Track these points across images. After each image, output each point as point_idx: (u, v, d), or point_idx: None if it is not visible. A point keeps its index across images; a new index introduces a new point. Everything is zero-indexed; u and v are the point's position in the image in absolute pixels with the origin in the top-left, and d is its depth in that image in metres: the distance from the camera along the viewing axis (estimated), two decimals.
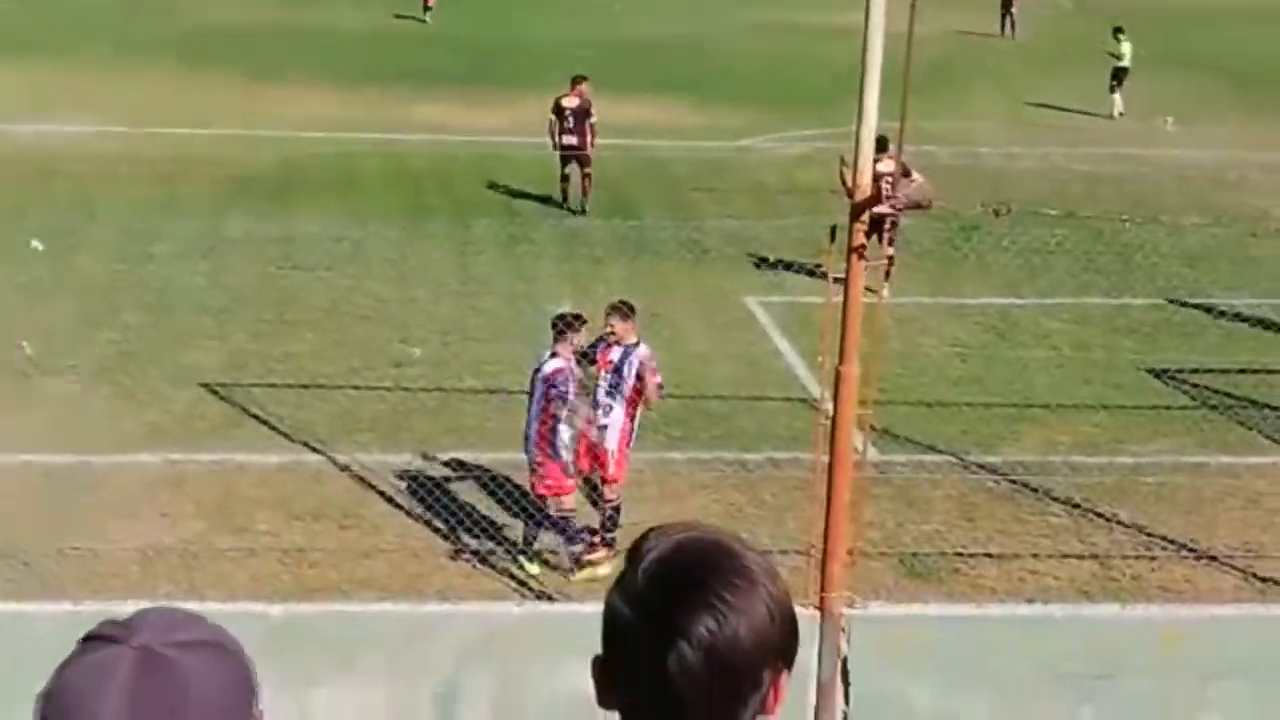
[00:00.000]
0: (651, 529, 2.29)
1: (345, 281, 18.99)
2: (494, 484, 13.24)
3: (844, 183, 8.26)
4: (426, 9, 42.15)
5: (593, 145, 22.65)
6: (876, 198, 8.09)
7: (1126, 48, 31.96)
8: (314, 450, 13.78)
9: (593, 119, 22.83)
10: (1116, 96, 31.74)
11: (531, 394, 11.89)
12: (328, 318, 17.57)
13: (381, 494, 12.98)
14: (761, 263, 20.11)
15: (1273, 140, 28.74)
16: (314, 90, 30.79)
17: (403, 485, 13.13)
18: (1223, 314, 17.98)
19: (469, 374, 15.82)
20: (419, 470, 13.48)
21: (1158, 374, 16.37)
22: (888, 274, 17.39)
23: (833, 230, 8.69)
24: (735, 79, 33.51)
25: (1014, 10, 42.35)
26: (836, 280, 8.91)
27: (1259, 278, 19.96)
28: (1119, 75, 31.97)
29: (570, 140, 22.67)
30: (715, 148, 27.39)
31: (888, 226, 17.68)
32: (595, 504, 12.30)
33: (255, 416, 14.43)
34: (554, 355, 11.83)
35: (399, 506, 12.77)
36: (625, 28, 41.76)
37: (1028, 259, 19.15)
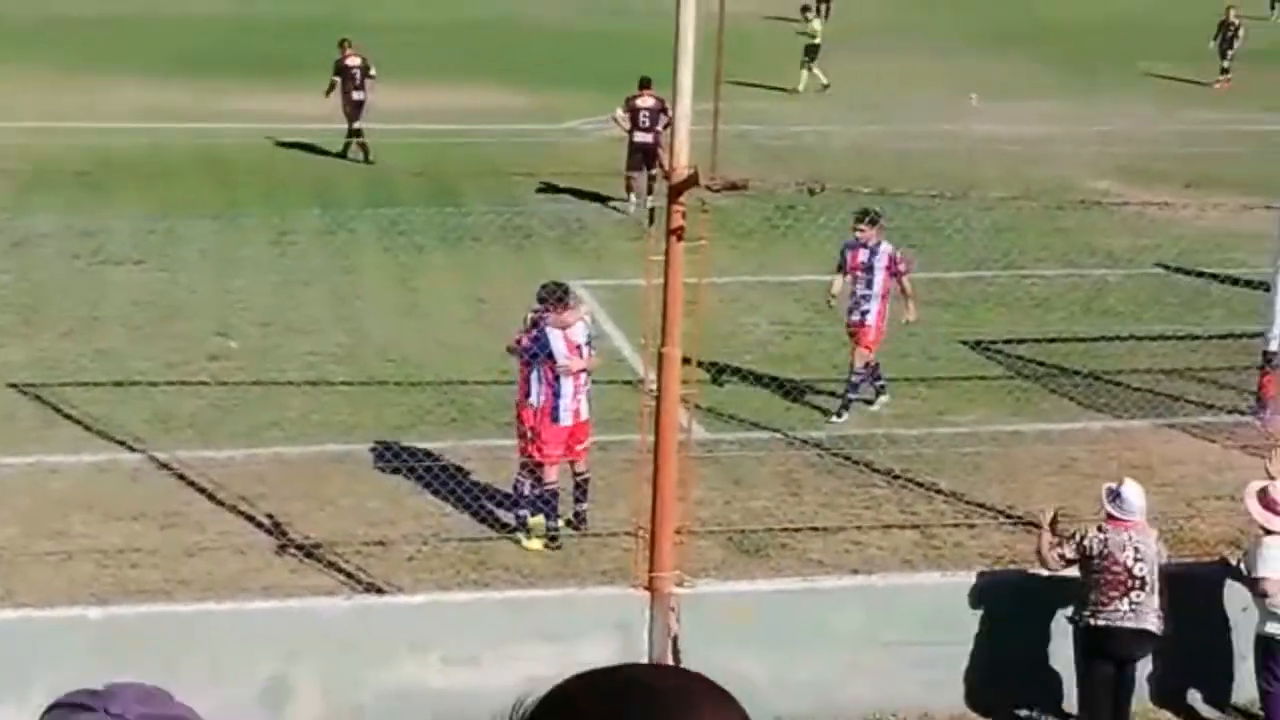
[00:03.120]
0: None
1: (159, 275, 18.56)
2: (318, 476, 13.06)
3: (661, 166, 8.29)
4: None
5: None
6: (694, 180, 8.15)
7: (816, 25, 32.73)
8: (131, 449, 13.44)
9: (372, 74, 25.12)
10: (805, 73, 32.39)
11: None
12: (141, 312, 17.14)
13: (203, 491, 12.71)
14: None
15: (1075, 113, 29.66)
16: (125, 80, 29.98)
17: (225, 481, 12.87)
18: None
19: (290, 366, 15.57)
20: (242, 465, 13.23)
21: (974, 345, 16.77)
22: (650, 189, 20.36)
23: (651, 212, 8.73)
24: (561, 60, 33.45)
25: None
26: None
27: (1067, 248, 20.56)
28: (810, 52, 32.67)
29: (360, 96, 24.87)
30: (540, 131, 27.35)
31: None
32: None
33: (69, 417, 14.02)
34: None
35: (222, 503, 12.52)
36: (447, 9, 41.40)
37: (839, 235, 19.43)
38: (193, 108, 27.82)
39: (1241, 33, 35.06)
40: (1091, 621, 9.37)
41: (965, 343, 16.84)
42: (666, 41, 8.71)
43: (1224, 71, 34.59)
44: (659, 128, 21.05)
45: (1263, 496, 9.53)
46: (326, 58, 33.05)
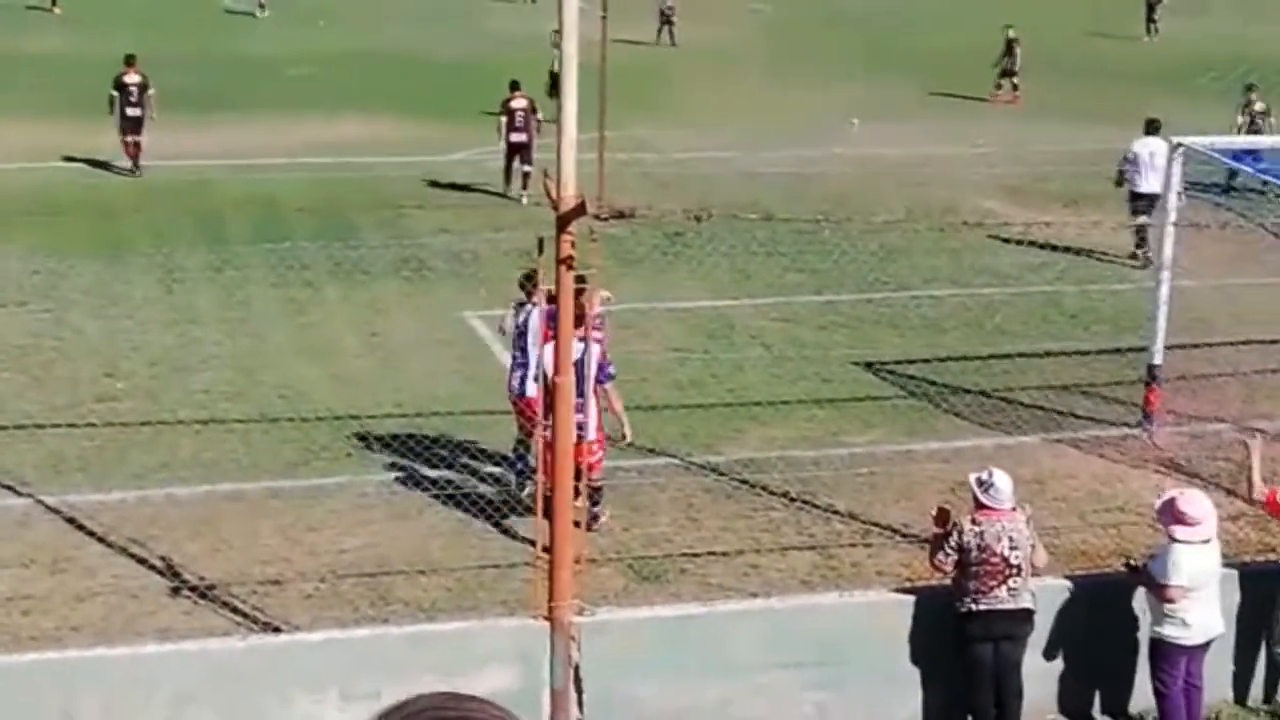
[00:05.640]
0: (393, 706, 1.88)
1: (44, 316, 18.23)
2: (212, 516, 12.89)
3: (549, 195, 8.33)
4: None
5: (152, 117, 26.48)
6: (581, 209, 8.18)
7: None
8: (19, 494, 13.19)
9: (151, 92, 26.52)
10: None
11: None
12: (27, 355, 16.83)
13: (94, 535, 12.50)
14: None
15: (952, 134, 30.19)
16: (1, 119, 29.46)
17: (117, 524, 12.66)
18: None
19: (181, 405, 15.36)
20: (134, 507, 13.02)
21: (867, 366, 16.95)
22: (525, 184, 23.94)
23: (540, 242, 8.75)
24: (447, 91, 33.40)
25: (674, 19, 44.05)
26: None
27: (956, 268, 20.86)
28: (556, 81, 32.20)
29: (135, 112, 26.28)
30: (429, 162, 27.28)
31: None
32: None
33: None
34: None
35: (113, 546, 12.32)
36: (335, 41, 41.35)
37: (734, 261, 19.64)
38: (70, 146, 27.42)
39: (1019, 50, 36.54)
40: (973, 607, 9.64)
41: (858, 364, 17.02)
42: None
43: (1013, 87, 36.33)
44: (531, 126, 24.73)
45: (1172, 506, 9.74)
46: (217, 94, 32.89)
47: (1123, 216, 21.82)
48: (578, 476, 12.10)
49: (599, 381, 12.50)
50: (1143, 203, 21.49)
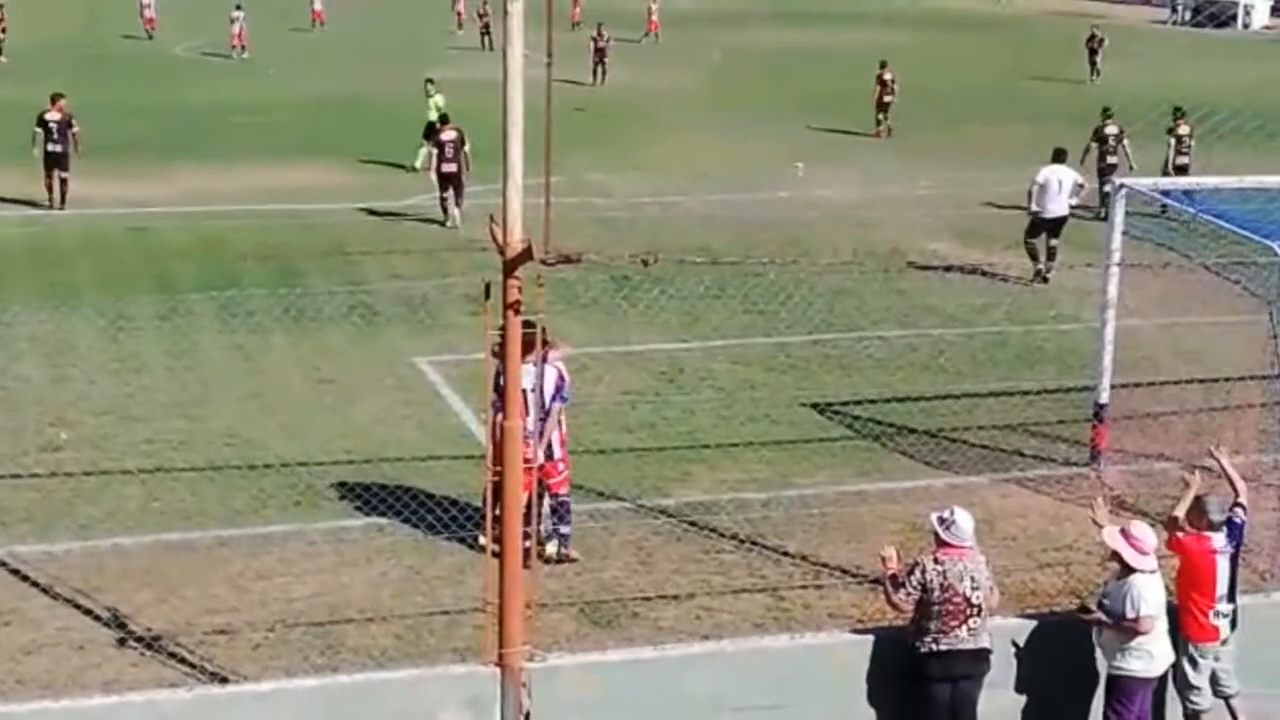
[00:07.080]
0: None
1: None
2: (159, 566, 12.78)
3: (495, 240, 8.35)
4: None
5: (77, 153, 27.02)
6: (528, 254, 8.19)
7: (438, 100, 31.17)
8: None
9: (74, 130, 26.90)
10: (424, 150, 29.86)
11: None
12: None
13: (39, 586, 12.36)
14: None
15: (897, 176, 30.46)
16: None
17: (63, 575, 12.53)
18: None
19: (129, 455, 15.23)
20: (80, 558, 12.89)
21: (817, 408, 17.02)
22: (459, 205, 25.84)
23: (487, 287, 8.75)
24: (396, 137, 33.41)
25: (606, 60, 44.78)
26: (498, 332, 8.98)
27: (905, 309, 21.00)
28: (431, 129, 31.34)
29: (56, 149, 26.77)
30: (378, 208, 27.32)
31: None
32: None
33: None
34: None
35: (59, 598, 12.19)
36: (285, 89, 41.37)
37: (682, 303, 19.72)
38: (22, 192, 27.27)
39: (895, 89, 37.74)
40: (934, 647, 9.64)
41: (808, 405, 17.08)
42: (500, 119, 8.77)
43: (877, 122, 37.61)
44: (461, 157, 25.94)
45: (1126, 537, 9.75)
46: (165, 142, 32.78)
47: (1087, 256, 22.06)
48: (540, 497, 12.20)
49: (559, 399, 12.85)
50: (1048, 224, 23.08)
